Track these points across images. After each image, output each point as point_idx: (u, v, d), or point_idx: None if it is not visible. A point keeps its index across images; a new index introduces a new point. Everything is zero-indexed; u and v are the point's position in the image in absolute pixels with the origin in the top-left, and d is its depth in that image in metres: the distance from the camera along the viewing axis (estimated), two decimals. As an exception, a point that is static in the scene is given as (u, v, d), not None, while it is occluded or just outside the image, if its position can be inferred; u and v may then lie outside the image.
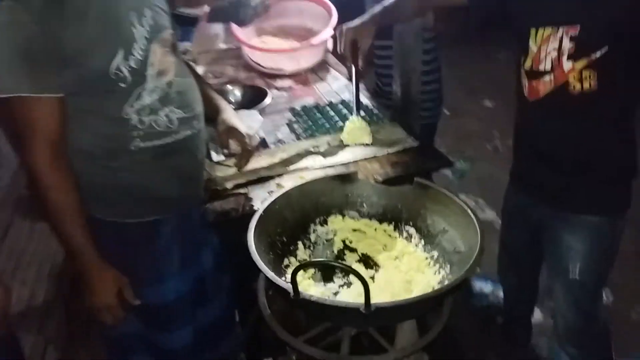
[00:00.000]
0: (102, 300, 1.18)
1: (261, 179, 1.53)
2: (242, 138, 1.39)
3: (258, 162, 1.58)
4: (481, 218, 2.70)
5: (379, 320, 0.96)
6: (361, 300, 1.14)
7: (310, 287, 1.21)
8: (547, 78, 1.22)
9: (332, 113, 1.84)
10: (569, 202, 1.32)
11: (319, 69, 2.28)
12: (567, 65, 1.17)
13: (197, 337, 1.37)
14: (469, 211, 1.22)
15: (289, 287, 0.98)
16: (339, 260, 1.28)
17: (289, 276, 1.18)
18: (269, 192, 1.48)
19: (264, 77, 2.24)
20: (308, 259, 1.30)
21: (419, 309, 1.03)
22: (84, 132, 1.12)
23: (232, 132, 1.39)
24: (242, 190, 1.50)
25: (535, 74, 1.24)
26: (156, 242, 1.24)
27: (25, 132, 1.05)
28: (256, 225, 1.20)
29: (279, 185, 1.51)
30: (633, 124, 1.25)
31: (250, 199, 1.47)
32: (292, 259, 1.27)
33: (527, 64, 1.26)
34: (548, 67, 1.21)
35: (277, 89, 2.14)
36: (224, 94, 1.94)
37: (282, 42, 2.40)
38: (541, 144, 1.32)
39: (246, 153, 1.42)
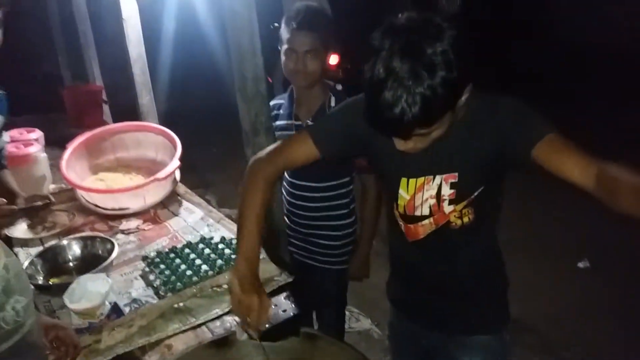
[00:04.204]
0: None
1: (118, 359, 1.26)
2: (67, 335, 1.17)
3: (112, 337, 1.32)
4: (357, 329, 2.70)
5: None
6: None
7: None
8: (426, 221, 1.20)
9: (192, 256, 1.66)
10: (461, 326, 1.31)
11: (170, 203, 2.10)
12: (448, 208, 1.17)
13: None
14: (365, 360, 1.12)
15: None
16: None
17: None
18: (130, 376, 1.22)
19: (106, 219, 1.99)
20: None
21: None
22: None
23: (54, 329, 1.16)
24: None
25: (412, 219, 1.22)
26: None
27: None
28: None
29: (141, 363, 1.26)
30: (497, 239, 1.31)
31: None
32: None
33: (400, 209, 1.23)
34: (426, 212, 1.19)
35: (124, 232, 1.90)
36: (59, 251, 1.66)
37: (123, 177, 2.20)
38: (426, 277, 1.30)
39: (71, 351, 1.17)
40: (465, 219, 1.18)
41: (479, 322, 1.31)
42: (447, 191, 1.16)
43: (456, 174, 1.14)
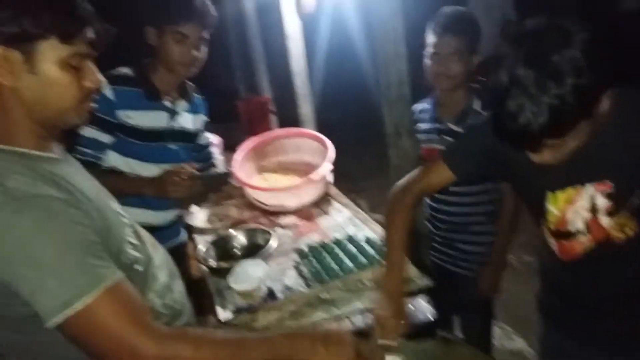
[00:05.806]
0: None
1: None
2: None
3: (266, 317, 1.49)
4: (509, 348, 2.57)
5: None
6: None
7: None
8: (582, 238, 1.12)
9: (339, 252, 1.78)
10: (626, 346, 1.19)
11: (322, 203, 2.26)
12: (605, 221, 1.08)
13: None
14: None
15: None
16: None
17: None
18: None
19: (268, 215, 2.22)
20: None
21: None
22: None
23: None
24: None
25: (565, 235, 1.15)
26: None
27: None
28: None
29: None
30: None
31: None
32: None
33: (550, 226, 1.17)
34: (581, 227, 1.11)
35: (282, 226, 2.11)
36: (228, 240, 1.91)
37: (283, 177, 2.43)
38: (585, 294, 1.22)
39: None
40: (629, 231, 1.09)
41: None
42: (602, 203, 1.07)
43: (609, 182, 1.05)
